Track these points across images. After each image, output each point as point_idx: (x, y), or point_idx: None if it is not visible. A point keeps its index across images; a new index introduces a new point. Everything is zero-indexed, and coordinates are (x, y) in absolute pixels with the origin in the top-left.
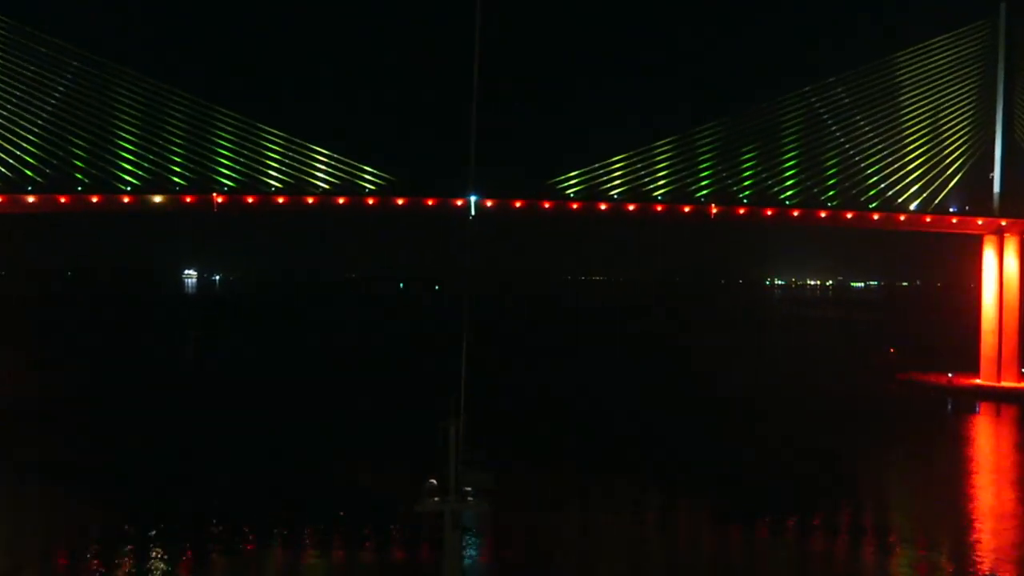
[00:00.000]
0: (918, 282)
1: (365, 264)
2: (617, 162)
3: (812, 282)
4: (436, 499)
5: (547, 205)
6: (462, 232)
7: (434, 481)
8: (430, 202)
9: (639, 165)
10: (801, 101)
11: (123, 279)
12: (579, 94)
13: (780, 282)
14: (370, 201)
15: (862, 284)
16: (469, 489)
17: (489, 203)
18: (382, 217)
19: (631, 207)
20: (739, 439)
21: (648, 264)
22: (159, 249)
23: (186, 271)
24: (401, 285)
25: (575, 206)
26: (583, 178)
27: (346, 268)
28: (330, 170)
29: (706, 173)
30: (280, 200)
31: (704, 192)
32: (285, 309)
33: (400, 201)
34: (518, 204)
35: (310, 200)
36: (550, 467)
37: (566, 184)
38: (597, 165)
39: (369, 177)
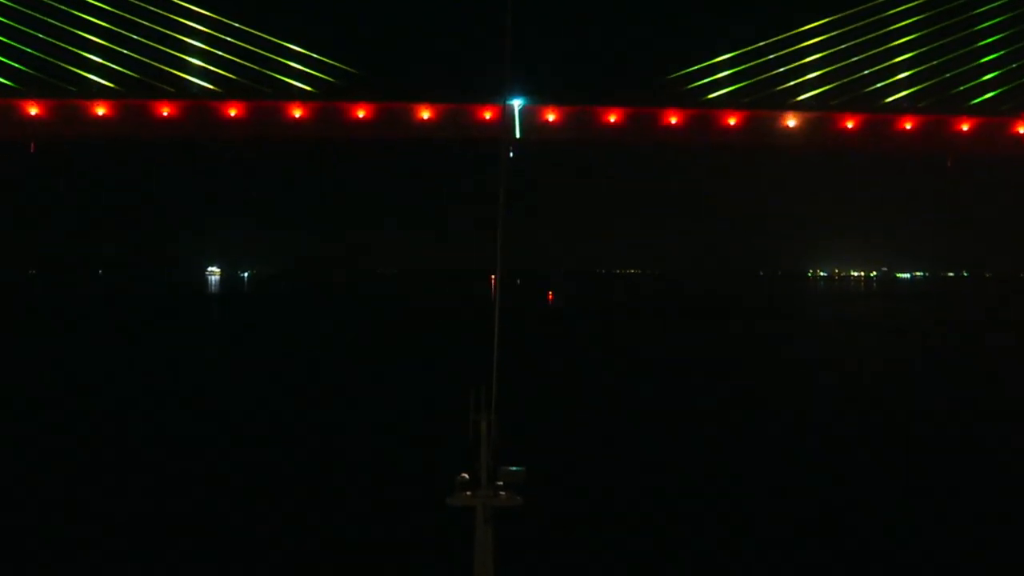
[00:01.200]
0: (965, 273)
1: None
2: (805, 37)
3: (856, 273)
4: (468, 493)
5: (674, 120)
6: (493, 165)
7: (466, 475)
8: (425, 113)
9: (848, 44)
10: None
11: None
12: None
13: (823, 273)
14: (296, 112)
15: (909, 275)
16: (502, 483)
17: (551, 115)
18: (331, 147)
19: (849, 123)
20: None
21: (663, 257)
22: (184, 240)
23: (209, 268)
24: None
25: (733, 121)
26: (734, 71)
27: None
28: (213, 53)
29: (992, 56)
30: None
31: (990, 95)
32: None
33: (360, 113)
34: (612, 118)
35: (164, 111)
36: None
37: (700, 83)
38: (763, 44)
39: (299, 68)
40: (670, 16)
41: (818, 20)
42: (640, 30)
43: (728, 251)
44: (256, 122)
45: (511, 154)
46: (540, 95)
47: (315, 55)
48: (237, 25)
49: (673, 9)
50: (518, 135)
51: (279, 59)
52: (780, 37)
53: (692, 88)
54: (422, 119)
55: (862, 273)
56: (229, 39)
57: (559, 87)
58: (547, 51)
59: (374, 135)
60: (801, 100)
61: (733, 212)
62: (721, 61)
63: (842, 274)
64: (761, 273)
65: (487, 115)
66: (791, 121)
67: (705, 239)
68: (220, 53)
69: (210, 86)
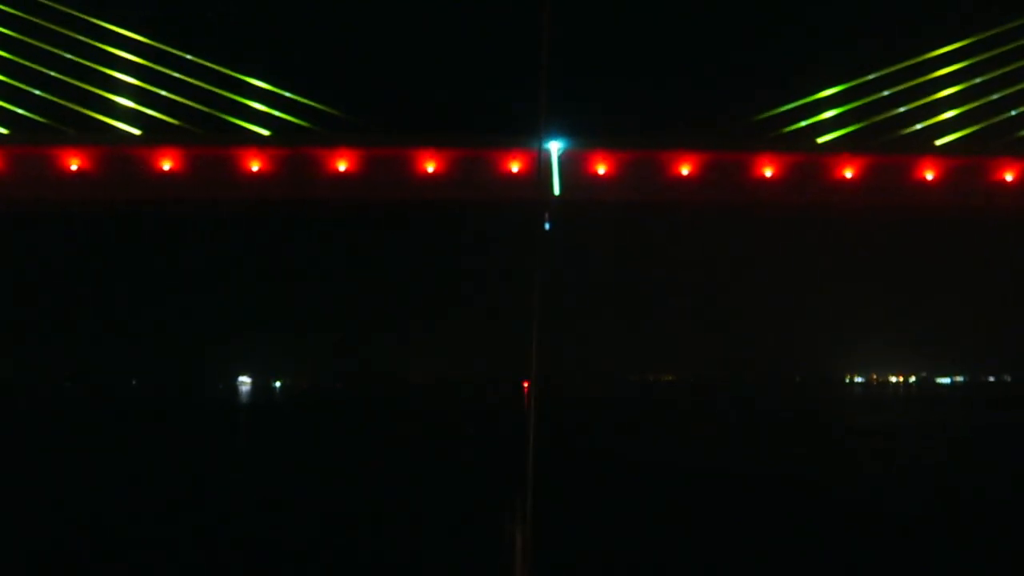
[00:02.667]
0: (1007, 377)
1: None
2: (935, 66)
3: (894, 379)
4: None
5: (769, 171)
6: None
7: None
8: (429, 164)
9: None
10: None
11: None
12: None
13: (860, 379)
14: (253, 166)
15: (948, 380)
16: None
17: (601, 166)
18: (304, 211)
19: (1008, 174)
20: None
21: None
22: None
23: (240, 378)
24: None
25: (850, 172)
26: (844, 108)
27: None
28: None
29: None
30: None
31: None
32: None
33: (342, 164)
34: (686, 169)
35: (73, 163)
36: None
37: (799, 125)
38: (879, 75)
39: (259, 108)
40: (754, 41)
41: (950, 44)
42: (716, 58)
43: (763, 352)
44: (199, 179)
45: (547, 223)
46: (586, 137)
47: (282, 92)
48: (172, 51)
49: (759, 32)
50: (556, 191)
51: (233, 96)
52: (902, 65)
53: (790, 132)
54: (424, 172)
55: (900, 378)
56: (163, 69)
57: (611, 127)
58: (595, 82)
59: (359, 195)
60: (939, 145)
61: (784, 301)
62: (826, 97)
63: (880, 379)
64: (798, 379)
65: (514, 166)
66: (928, 173)
67: (739, 336)
68: (151, 88)
69: (134, 131)
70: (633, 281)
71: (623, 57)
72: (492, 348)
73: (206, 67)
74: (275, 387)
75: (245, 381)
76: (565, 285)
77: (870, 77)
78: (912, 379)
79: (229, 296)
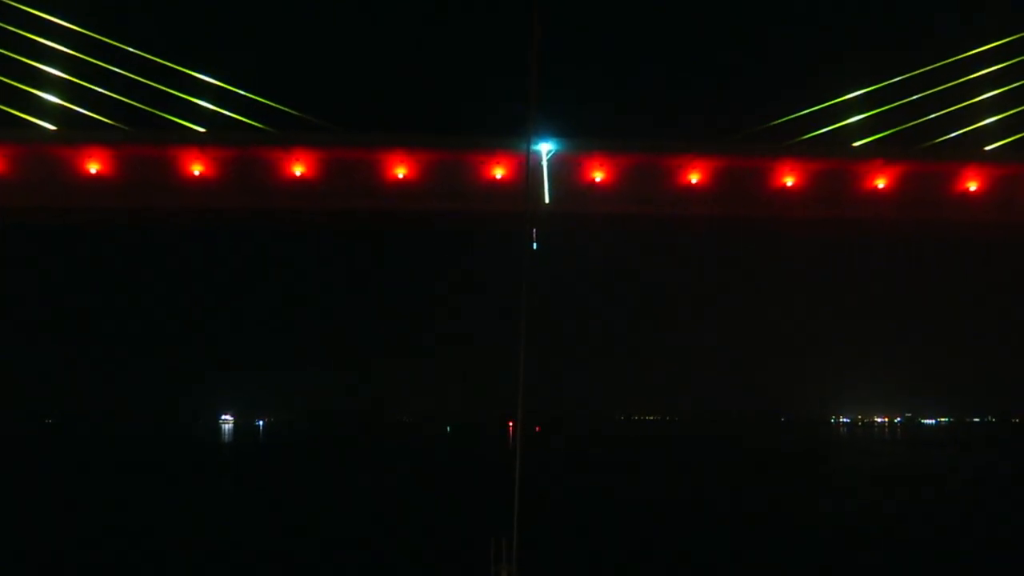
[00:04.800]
0: (991, 418)
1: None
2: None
3: (879, 419)
4: None
5: (790, 180)
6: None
7: None
8: (400, 169)
9: None
10: None
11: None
12: None
13: (845, 420)
14: (195, 169)
15: (934, 421)
16: None
17: (598, 172)
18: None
19: None
20: None
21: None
22: (198, 390)
23: (223, 416)
24: None
25: (882, 182)
26: (869, 113)
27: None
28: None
29: None
30: None
31: None
32: None
33: (298, 169)
34: (695, 177)
35: None
36: None
37: (817, 132)
38: (906, 77)
39: (202, 104)
40: (776, 35)
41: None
42: (730, 52)
43: (750, 390)
44: (131, 184)
45: (534, 243)
46: (582, 138)
47: (228, 86)
48: (102, 38)
49: (781, 26)
50: (546, 200)
51: (170, 90)
52: (944, 62)
53: (809, 138)
54: (395, 178)
55: (886, 419)
56: (90, 59)
57: (610, 128)
58: (594, 76)
59: (317, 205)
60: (985, 151)
61: (775, 338)
62: (848, 101)
63: (865, 420)
64: (783, 419)
65: (497, 171)
66: (972, 183)
67: (726, 374)
68: (77, 80)
69: (50, 127)
70: (624, 307)
71: (626, 50)
72: (472, 382)
73: (137, 55)
74: (258, 425)
75: (227, 419)
76: (552, 310)
77: (906, 75)
78: (897, 420)
79: (204, 333)
